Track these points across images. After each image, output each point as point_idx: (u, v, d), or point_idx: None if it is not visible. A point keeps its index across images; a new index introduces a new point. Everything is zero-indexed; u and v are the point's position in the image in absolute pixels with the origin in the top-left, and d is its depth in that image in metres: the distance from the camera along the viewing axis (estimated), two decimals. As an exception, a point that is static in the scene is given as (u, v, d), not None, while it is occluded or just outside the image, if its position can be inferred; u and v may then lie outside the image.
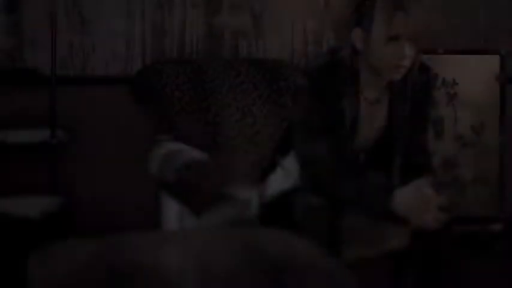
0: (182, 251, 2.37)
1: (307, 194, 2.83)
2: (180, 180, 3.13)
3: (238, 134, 3.56)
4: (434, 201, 2.74)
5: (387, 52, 2.75)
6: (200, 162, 3.15)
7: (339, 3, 4.09)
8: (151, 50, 4.02)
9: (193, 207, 3.15)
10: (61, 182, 3.76)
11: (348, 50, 2.82)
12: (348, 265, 3.14)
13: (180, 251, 2.37)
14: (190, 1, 4.04)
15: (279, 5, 4.09)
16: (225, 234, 2.54)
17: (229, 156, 3.54)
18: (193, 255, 2.36)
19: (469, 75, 4.06)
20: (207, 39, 4.07)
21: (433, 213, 2.73)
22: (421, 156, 2.96)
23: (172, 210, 3.33)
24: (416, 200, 2.73)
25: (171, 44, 4.04)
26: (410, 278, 2.93)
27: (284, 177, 2.98)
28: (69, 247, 2.45)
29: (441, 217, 2.75)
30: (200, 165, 3.14)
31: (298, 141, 2.87)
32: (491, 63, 4.07)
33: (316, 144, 2.82)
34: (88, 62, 3.99)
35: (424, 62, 2.97)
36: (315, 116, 2.81)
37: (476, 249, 4.05)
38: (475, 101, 4.07)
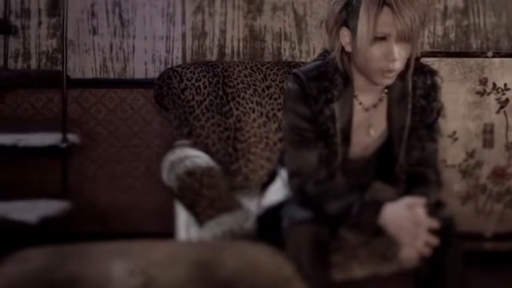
0: (131, 265, 2.22)
1: (293, 207, 2.61)
2: (182, 187, 2.96)
3: (261, 141, 3.35)
4: (425, 224, 2.45)
5: (374, 53, 2.46)
6: (204, 169, 2.96)
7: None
8: (192, 52, 3.88)
9: (196, 215, 2.98)
10: (72, 186, 3.71)
11: (338, 52, 2.57)
12: (362, 282, 2.93)
13: (128, 265, 2.22)
14: (231, 3, 3.87)
15: (321, 6, 3.87)
16: (187, 247, 2.36)
17: (249, 164, 3.35)
18: (141, 270, 2.20)
19: (523, 79, 3.70)
20: (248, 42, 3.89)
21: (423, 237, 2.45)
22: (427, 167, 2.66)
23: (181, 218, 3.18)
24: (405, 220, 2.45)
25: (211, 46, 3.89)
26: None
27: (282, 188, 2.76)
28: (28, 256, 2.35)
29: (432, 241, 2.46)
30: (204, 172, 2.95)
31: (287, 149, 2.64)
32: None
33: (305, 153, 2.59)
34: (128, 64, 3.90)
35: (428, 65, 2.68)
36: (303, 123, 2.58)
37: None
38: (529, 108, 3.71)
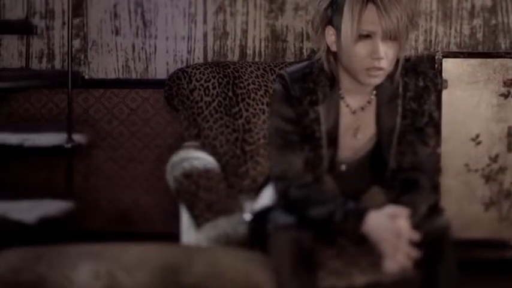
0: (98, 268, 2.19)
1: (279, 211, 2.53)
2: (179, 190, 2.92)
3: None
4: (406, 236, 2.33)
5: (359, 52, 2.36)
6: (201, 171, 2.91)
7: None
8: (213, 52, 3.84)
9: (193, 217, 2.93)
10: (93, 186, 3.71)
11: (324, 51, 2.48)
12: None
13: (96, 268, 2.20)
14: (253, 2, 3.81)
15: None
16: (159, 252, 2.31)
17: (257, 166, 3.28)
18: (108, 273, 2.18)
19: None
20: (270, 42, 3.82)
21: (404, 250, 2.34)
22: (420, 173, 2.54)
23: (184, 219, 3.13)
24: (386, 231, 2.34)
25: (233, 47, 3.83)
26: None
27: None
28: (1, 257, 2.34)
29: (412, 254, 2.34)
30: (201, 174, 2.90)
31: (272, 152, 2.56)
32: None
33: (289, 156, 2.50)
34: (150, 65, 3.87)
35: (421, 66, 2.56)
36: (288, 125, 2.50)
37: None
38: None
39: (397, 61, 2.45)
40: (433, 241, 2.46)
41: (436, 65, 3.49)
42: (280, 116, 2.50)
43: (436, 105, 2.56)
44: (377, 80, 2.41)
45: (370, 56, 2.36)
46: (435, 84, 2.54)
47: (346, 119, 2.51)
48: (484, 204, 3.55)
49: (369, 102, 2.52)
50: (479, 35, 3.72)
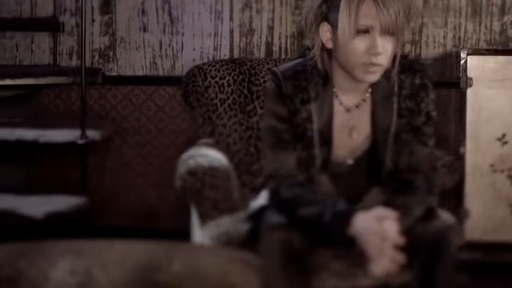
0: (77, 265, 2.18)
1: (272, 211, 2.47)
2: (183, 187, 2.88)
3: (284, 140, 3.21)
4: (391, 240, 2.25)
5: (356, 48, 2.29)
6: (206, 169, 2.87)
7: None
8: (239, 49, 3.80)
9: (199, 215, 2.90)
10: (122, 182, 3.72)
11: (318, 49, 2.41)
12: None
13: (74, 264, 2.18)
14: (279, -1, 3.75)
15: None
16: (142, 249, 2.28)
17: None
18: (85, 270, 2.16)
19: None
20: (296, 39, 3.76)
21: (389, 254, 2.25)
22: (416, 174, 2.44)
23: (194, 217, 3.10)
24: (372, 233, 2.26)
25: (259, 44, 3.78)
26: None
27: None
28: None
29: (398, 258, 2.26)
30: (206, 172, 2.86)
31: (265, 151, 2.50)
32: None
33: (282, 155, 2.44)
34: (177, 62, 3.85)
35: (418, 63, 2.46)
36: (280, 124, 2.44)
37: None
38: None
39: (394, 58, 2.37)
40: (430, 244, 2.37)
41: (461, 63, 3.37)
42: (273, 114, 2.44)
43: (435, 103, 2.47)
44: (374, 77, 2.33)
45: (368, 52, 2.29)
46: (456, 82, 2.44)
47: (340, 117, 2.43)
48: (510, 206, 3.42)
49: (364, 101, 2.44)
50: (510, 32, 3.58)
